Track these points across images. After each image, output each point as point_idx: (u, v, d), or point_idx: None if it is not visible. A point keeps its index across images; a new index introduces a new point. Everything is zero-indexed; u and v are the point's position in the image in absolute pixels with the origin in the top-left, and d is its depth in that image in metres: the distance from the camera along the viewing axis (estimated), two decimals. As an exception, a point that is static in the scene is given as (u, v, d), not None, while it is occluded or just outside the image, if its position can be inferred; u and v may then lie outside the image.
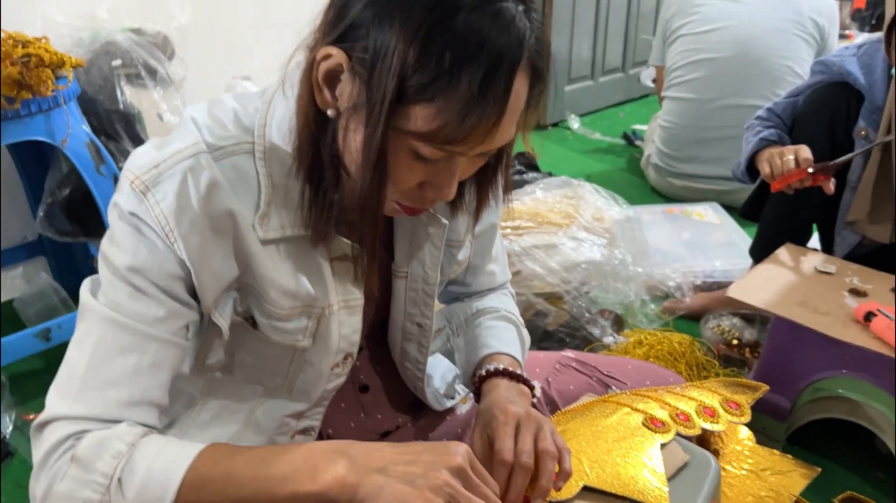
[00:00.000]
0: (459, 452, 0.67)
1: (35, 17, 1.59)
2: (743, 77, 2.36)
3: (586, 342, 1.57)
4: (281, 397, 0.89)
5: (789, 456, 1.26)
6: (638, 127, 3.31)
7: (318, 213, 0.75)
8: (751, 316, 1.73)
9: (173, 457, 0.70)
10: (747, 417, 1.08)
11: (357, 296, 0.85)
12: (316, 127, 0.72)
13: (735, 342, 1.65)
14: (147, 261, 0.72)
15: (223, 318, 0.78)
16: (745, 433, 1.31)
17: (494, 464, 0.79)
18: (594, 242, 1.58)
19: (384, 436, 1.03)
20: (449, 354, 1.06)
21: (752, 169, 1.73)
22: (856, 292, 1.33)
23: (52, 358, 1.66)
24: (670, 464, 0.92)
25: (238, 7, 2.08)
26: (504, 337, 0.99)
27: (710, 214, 2.22)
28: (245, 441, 0.88)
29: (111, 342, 0.72)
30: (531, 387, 0.92)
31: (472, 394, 1.10)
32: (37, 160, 1.74)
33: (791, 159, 1.46)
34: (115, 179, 1.50)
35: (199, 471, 0.69)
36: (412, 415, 1.06)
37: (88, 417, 0.71)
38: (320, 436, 0.95)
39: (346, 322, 0.85)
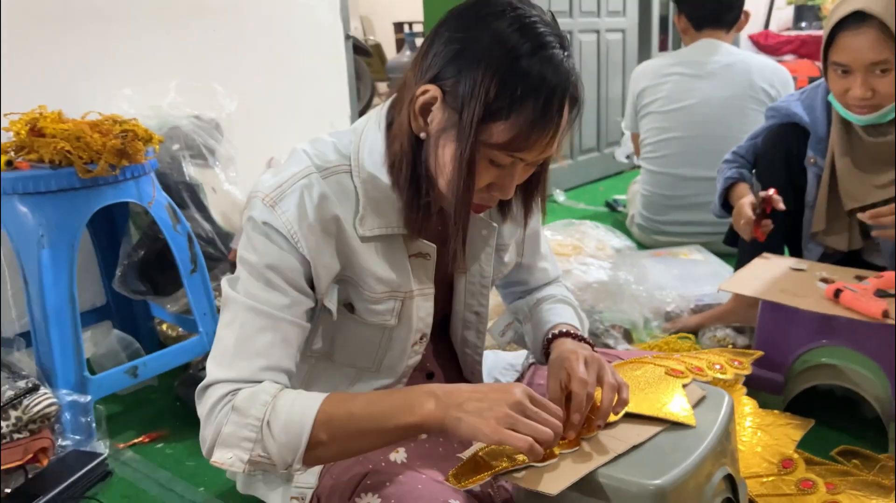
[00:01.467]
0: (517, 391, 0.85)
1: (110, 110, 1.88)
2: (709, 152, 2.53)
3: (602, 352, 1.79)
4: (370, 377, 1.09)
5: (788, 413, 1.48)
6: (618, 197, 3.62)
7: (413, 215, 0.98)
8: (741, 328, 1.97)
9: (306, 401, 0.90)
10: (748, 370, 1.31)
11: (429, 286, 1.07)
12: (411, 147, 0.95)
13: (731, 347, 1.88)
14: (277, 259, 0.94)
15: (332, 303, 1.01)
16: (748, 409, 1.52)
17: (574, 384, 0.95)
18: (600, 266, 1.83)
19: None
20: (520, 340, 1.27)
21: (726, 204, 2.02)
22: (825, 280, 1.59)
23: (134, 397, 1.85)
24: (691, 397, 1.13)
25: (274, 99, 2.42)
26: (563, 313, 1.20)
27: (694, 254, 2.49)
28: None
29: (252, 324, 0.92)
30: (592, 346, 1.12)
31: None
32: (106, 231, 1.98)
33: (747, 216, 1.76)
34: (189, 237, 1.74)
35: (327, 411, 0.88)
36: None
37: (240, 380, 0.91)
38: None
39: (422, 306, 1.06)
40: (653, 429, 1.00)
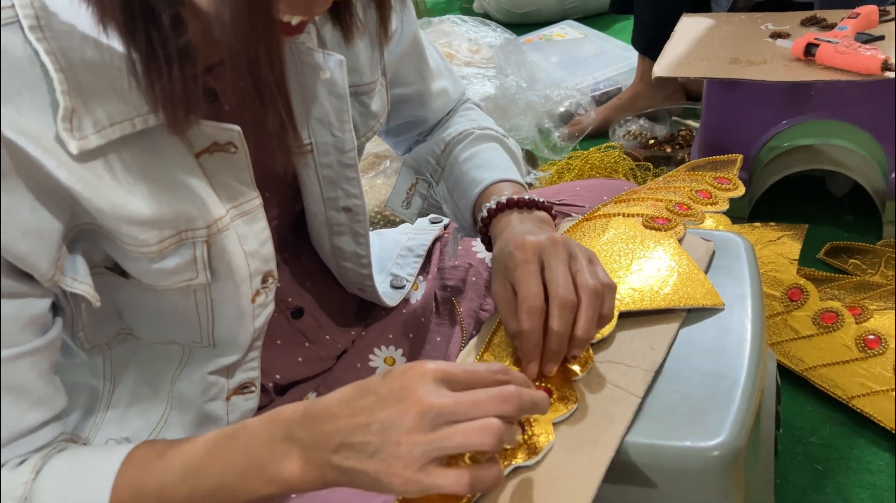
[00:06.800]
0: (420, 390, 0.49)
1: None
2: None
3: (506, 188, 1.38)
4: (205, 355, 0.67)
5: (772, 223, 1.16)
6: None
7: (167, 79, 0.49)
8: (655, 114, 1.62)
9: (87, 480, 0.54)
10: (741, 189, 0.94)
11: (251, 196, 0.61)
12: None
13: (651, 142, 1.52)
14: None
15: (80, 282, 0.55)
16: (710, 223, 1.20)
17: (520, 314, 0.60)
18: (483, 75, 1.37)
19: (339, 357, 0.81)
20: (436, 209, 0.85)
21: None
22: (778, 35, 1.21)
23: None
24: (697, 256, 0.76)
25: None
26: (491, 161, 0.78)
27: (570, 32, 2.06)
28: (172, 424, 0.67)
29: None
30: (549, 209, 0.72)
31: (421, 280, 0.89)
32: None
33: None
34: None
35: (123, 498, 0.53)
36: (364, 323, 0.84)
37: None
38: (264, 390, 0.73)
39: (247, 235, 0.61)
40: (668, 332, 0.65)
